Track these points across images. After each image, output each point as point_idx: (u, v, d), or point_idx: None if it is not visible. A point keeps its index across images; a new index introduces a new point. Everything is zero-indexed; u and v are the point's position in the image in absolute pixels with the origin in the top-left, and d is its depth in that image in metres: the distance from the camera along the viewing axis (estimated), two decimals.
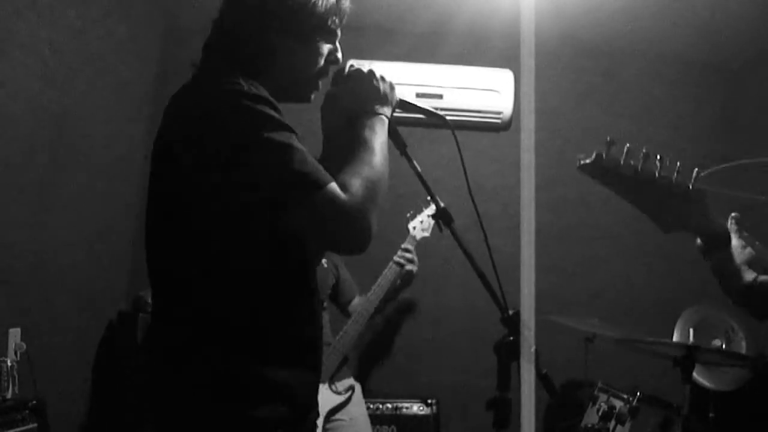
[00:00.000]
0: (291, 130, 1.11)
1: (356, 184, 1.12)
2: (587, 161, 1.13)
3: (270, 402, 1.14)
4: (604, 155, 1.13)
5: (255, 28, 1.23)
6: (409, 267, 2.90)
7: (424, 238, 2.94)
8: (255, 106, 1.10)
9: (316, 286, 1.29)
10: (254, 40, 1.23)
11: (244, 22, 1.24)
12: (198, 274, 1.14)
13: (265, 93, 1.13)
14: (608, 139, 1.14)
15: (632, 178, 1.16)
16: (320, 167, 1.10)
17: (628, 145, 1.15)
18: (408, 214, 2.97)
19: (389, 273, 2.88)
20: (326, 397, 2.63)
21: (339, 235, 1.11)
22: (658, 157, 1.17)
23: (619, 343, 2.79)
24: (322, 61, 1.29)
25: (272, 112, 1.11)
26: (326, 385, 2.66)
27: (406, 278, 2.94)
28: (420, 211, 2.94)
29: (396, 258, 2.89)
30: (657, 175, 1.17)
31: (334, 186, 1.09)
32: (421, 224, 2.93)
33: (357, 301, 2.99)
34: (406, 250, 2.90)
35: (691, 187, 1.23)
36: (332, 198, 1.07)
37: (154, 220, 1.21)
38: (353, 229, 1.10)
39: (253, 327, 1.15)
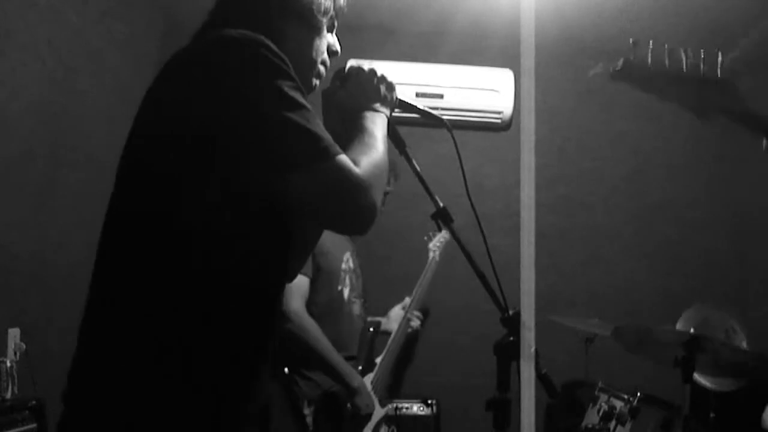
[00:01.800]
0: (304, 95, 1.07)
1: (365, 162, 1.09)
2: (617, 68, 1.15)
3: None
4: (631, 57, 1.14)
5: (260, 11, 1.20)
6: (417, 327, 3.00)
7: (436, 263, 3.04)
8: (273, 58, 1.04)
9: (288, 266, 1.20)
10: (260, 23, 1.18)
11: (248, 5, 1.22)
12: (175, 238, 1.03)
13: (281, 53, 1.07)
14: (631, 41, 1.15)
15: (663, 74, 1.16)
16: (332, 140, 1.06)
17: (651, 42, 1.16)
18: (426, 237, 3.08)
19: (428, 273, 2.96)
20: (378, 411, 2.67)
21: (346, 207, 1.06)
22: (683, 50, 1.18)
23: (618, 333, 2.74)
24: (325, 49, 1.28)
25: (291, 72, 1.06)
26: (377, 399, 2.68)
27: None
28: (435, 233, 3.07)
29: (412, 323, 2.93)
30: (685, 68, 1.17)
31: (346, 158, 1.05)
32: (440, 244, 3.07)
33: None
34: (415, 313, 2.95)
35: (719, 74, 1.22)
36: (343, 167, 1.03)
37: (128, 187, 1.11)
38: (361, 204, 1.05)
39: (223, 298, 1.05)
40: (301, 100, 1.04)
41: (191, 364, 1.03)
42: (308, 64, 1.26)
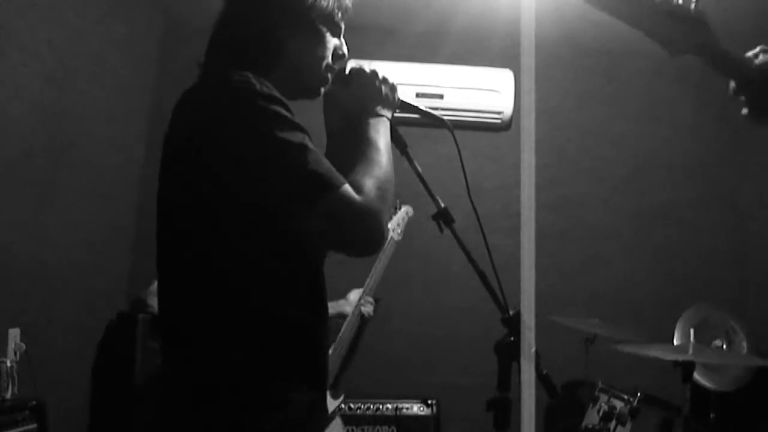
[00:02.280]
0: (303, 131, 1.10)
1: (369, 184, 1.11)
2: None
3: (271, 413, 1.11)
4: None
5: (261, 22, 1.21)
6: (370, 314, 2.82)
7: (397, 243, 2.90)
8: (268, 105, 1.08)
9: (325, 293, 1.27)
10: (261, 34, 1.20)
11: (250, 16, 1.22)
12: (209, 281, 1.12)
13: (276, 93, 1.11)
14: None
15: (634, 1, 1.12)
16: (333, 169, 1.09)
17: None
18: None
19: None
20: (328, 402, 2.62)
21: (353, 236, 1.10)
22: None
23: (619, 346, 2.77)
24: (329, 55, 1.28)
25: (285, 113, 1.09)
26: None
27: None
28: (395, 212, 2.91)
29: (363, 308, 2.79)
30: None
31: (348, 187, 1.08)
32: (398, 227, 2.91)
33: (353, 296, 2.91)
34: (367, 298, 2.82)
35: (693, 7, 1.19)
36: (347, 199, 1.07)
37: (164, 225, 1.19)
38: (367, 231, 1.09)
39: (265, 336, 1.13)
40: (296, 139, 1.08)
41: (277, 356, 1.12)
42: (312, 73, 1.27)
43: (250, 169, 1.06)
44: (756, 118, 1.33)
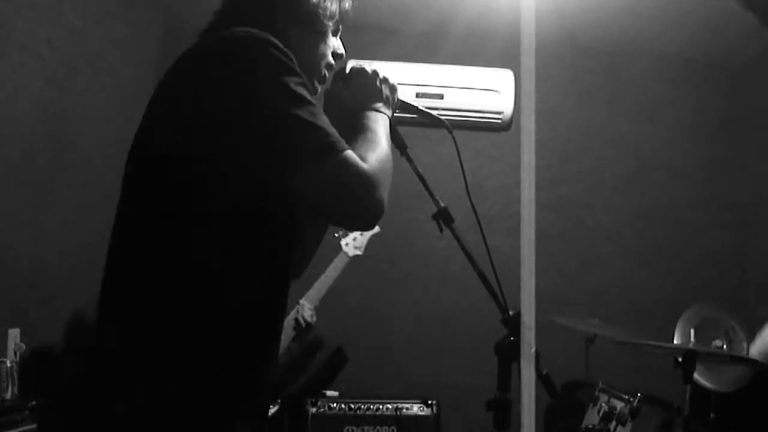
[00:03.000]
0: (311, 92, 1.08)
1: (372, 158, 1.09)
2: None
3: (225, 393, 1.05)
4: None
5: (265, 14, 1.21)
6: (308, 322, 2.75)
7: (356, 257, 2.83)
8: (283, 57, 1.05)
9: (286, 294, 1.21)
10: (264, 26, 1.17)
11: (251, 9, 1.22)
12: (177, 238, 1.04)
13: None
14: None
15: None
16: (339, 136, 1.06)
17: None
18: (337, 233, 2.83)
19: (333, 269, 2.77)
20: None
21: (354, 202, 1.06)
22: None
23: (620, 345, 2.78)
24: (330, 53, 1.28)
25: (299, 70, 1.07)
26: None
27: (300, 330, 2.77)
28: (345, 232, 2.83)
29: (296, 316, 2.72)
30: None
31: (353, 153, 1.05)
32: (354, 241, 2.83)
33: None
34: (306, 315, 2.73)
35: None
36: (351, 163, 1.03)
37: (135, 178, 1.10)
38: (369, 198, 1.06)
39: (225, 302, 1.06)
40: (308, 96, 1.05)
41: (203, 353, 1.04)
42: (312, 68, 1.26)
43: (256, 116, 1.01)
44: None
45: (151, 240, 1.06)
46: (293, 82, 1.04)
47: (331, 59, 1.29)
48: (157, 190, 1.07)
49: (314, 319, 2.79)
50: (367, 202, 1.06)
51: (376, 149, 1.13)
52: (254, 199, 1.07)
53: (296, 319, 2.75)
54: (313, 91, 1.27)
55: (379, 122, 1.23)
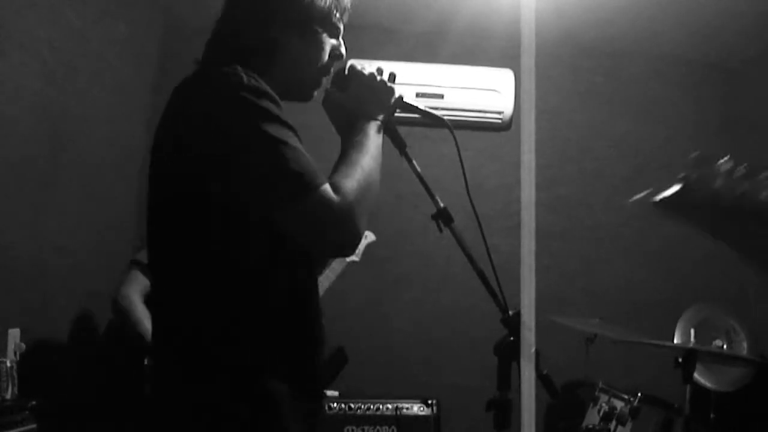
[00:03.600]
0: (290, 127, 1.10)
1: (348, 186, 1.11)
2: (669, 193, 0.75)
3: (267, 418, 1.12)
4: (692, 181, 0.74)
5: (257, 22, 1.22)
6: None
7: (353, 262, 2.88)
8: (253, 98, 1.08)
9: (316, 287, 1.28)
10: (257, 34, 1.21)
11: (247, 16, 1.23)
12: (192, 270, 1.13)
13: (265, 86, 1.11)
14: (694, 155, 0.75)
15: (734, 208, 0.78)
16: (315, 168, 1.09)
17: (725, 159, 0.74)
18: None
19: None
20: None
21: (327, 237, 1.11)
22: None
23: (618, 344, 2.79)
24: (326, 57, 1.28)
25: (271, 106, 1.09)
26: None
27: None
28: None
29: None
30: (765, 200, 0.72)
31: (326, 188, 1.08)
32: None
33: None
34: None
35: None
36: (323, 200, 1.07)
37: (153, 216, 1.20)
38: (341, 233, 1.10)
39: (251, 330, 1.14)
40: (280, 135, 1.08)
41: (252, 364, 1.12)
42: (306, 74, 1.28)
43: (230, 161, 1.07)
44: None
45: (188, 285, 1.15)
46: (267, 125, 1.07)
47: (327, 63, 1.29)
48: (179, 229, 1.15)
49: None
50: (342, 237, 1.12)
51: (355, 172, 1.15)
52: (250, 230, 1.13)
53: None
54: (307, 98, 1.30)
55: (369, 133, 1.23)
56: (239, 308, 1.13)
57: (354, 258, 2.84)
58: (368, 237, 2.95)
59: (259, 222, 1.11)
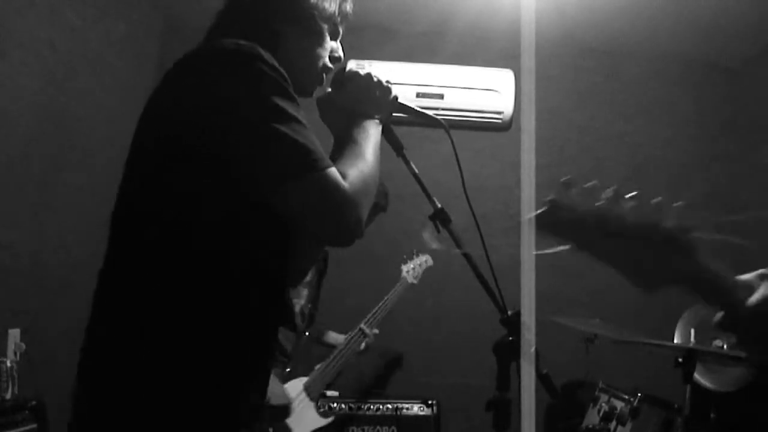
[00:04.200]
0: (299, 109, 1.07)
1: (353, 174, 1.09)
2: (540, 210, 0.88)
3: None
4: (559, 202, 0.89)
5: (261, 13, 1.21)
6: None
7: (412, 284, 2.99)
8: (269, 71, 1.05)
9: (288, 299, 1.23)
10: (260, 25, 1.19)
11: (251, 7, 1.22)
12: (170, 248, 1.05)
13: (278, 66, 1.07)
14: (563, 180, 0.89)
15: (600, 224, 0.90)
16: (323, 151, 1.06)
17: (594, 181, 0.89)
18: (404, 256, 3.03)
19: (394, 295, 2.88)
20: (312, 417, 2.65)
21: (332, 220, 1.06)
22: (633, 194, 0.90)
23: (619, 344, 2.79)
24: (326, 55, 1.28)
25: (285, 84, 1.07)
26: (313, 404, 2.66)
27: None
28: (413, 257, 3.04)
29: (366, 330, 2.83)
30: (632, 217, 0.91)
31: (335, 171, 1.05)
32: (413, 270, 3.02)
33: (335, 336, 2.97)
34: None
35: (671, 225, 0.92)
36: (330, 181, 1.04)
37: (131, 183, 1.12)
38: (344, 216, 1.06)
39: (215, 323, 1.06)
40: (293, 112, 1.05)
41: (195, 364, 1.04)
42: (308, 70, 1.26)
43: (240, 131, 1.02)
44: (745, 348, 1.08)
45: (140, 255, 1.07)
46: (278, 98, 1.04)
47: (328, 62, 1.29)
48: (149, 202, 1.07)
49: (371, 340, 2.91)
50: (346, 221, 1.06)
51: (359, 165, 1.13)
52: (245, 212, 1.07)
53: (364, 345, 2.87)
54: (308, 95, 1.27)
55: (369, 132, 1.23)
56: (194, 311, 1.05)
57: (413, 281, 2.98)
58: (428, 262, 3.07)
59: (253, 206, 1.06)
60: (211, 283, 1.05)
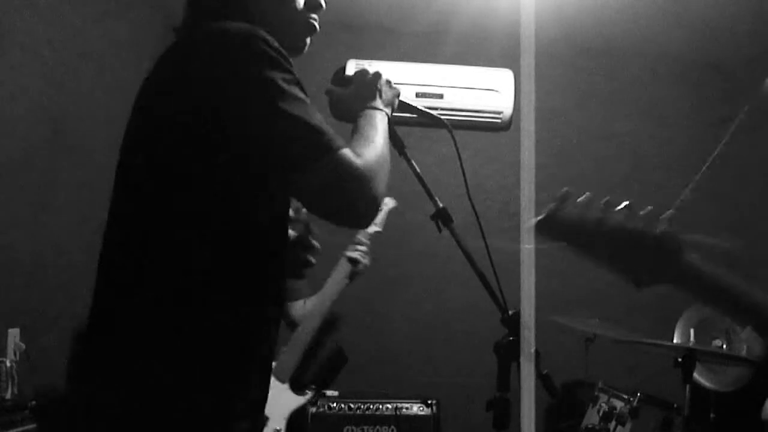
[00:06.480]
0: (305, 92, 1.06)
1: (368, 153, 1.08)
2: (539, 218, 0.98)
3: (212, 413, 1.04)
4: (557, 210, 0.99)
5: None
6: (363, 262, 2.62)
7: (376, 233, 2.70)
8: (277, 55, 1.03)
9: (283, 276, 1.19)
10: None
11: None
12: (170, 240, 1.03)
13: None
14: (562, 192, 1.00)
15: (594, 231, 1.02)
16: (334, 132, 1.05)
17: (588, 194, 1.01)
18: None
19: (341, 269, 2.64)
20: (288, 398, 2.59)
21: (349, 199, 1.04)
22: (624, 204, 1.04)
23: (619, 344, 2.79)
24: (301, 2, 1.22)
25: (291, 68, 1.05)
26: (286, 386, 2.61)
27: (355, 274, 2.66)
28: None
29: (349, 253, 2.60)
30: (623, 224, 1.03)
31: (349, 151, 1.04)
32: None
33: (302, 304, 2.75)
34: (359, 243, 2.60)
35: (658, 232, 1.04)
36: (344, 160, 1.02)
37: (127, 175, 1.10)
38: (364, 196, 1.04)
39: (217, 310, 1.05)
40: (300, 94, 1.03)
41: (193, 354, 1.03)
42: (293, 23, 1.22)
43: (250, 115, 1.00)
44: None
45: (140, 244, 1.06)
46: (285, 80, 1.02)
47: (302, 6, 1.23)
48: (148, 194, 1.06)
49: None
50: (363, 199, 1.04)
51: (372, 145, 1.12)
52: (248, 196, 1.06)
53: (350, 260, 2.62)
54: (301, 48, 1.24)
55: (377, 120, 1.22)
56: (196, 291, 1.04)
57: (377, 228, 2.69)
58: (389, 204, 2.78)
59: (268, 188, 1.05)
60: (213, 270, 1.04)
